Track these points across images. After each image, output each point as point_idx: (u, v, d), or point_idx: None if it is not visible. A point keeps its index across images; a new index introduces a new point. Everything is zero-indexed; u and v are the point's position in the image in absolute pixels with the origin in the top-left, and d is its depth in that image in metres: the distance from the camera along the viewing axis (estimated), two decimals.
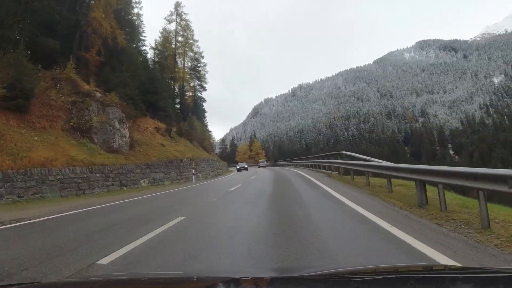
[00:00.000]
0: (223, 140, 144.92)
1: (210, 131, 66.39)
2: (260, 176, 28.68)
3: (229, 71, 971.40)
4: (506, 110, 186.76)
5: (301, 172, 29.56)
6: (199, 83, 61.01)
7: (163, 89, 41.27)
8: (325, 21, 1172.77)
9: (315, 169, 30.04)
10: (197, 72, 59.54)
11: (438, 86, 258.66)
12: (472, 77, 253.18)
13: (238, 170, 53.58)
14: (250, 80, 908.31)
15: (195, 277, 1.93)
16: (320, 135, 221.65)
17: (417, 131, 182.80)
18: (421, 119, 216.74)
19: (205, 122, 64.28)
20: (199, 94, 62.79)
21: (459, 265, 3.56)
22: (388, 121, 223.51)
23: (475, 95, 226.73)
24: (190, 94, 59.14)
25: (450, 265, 3.35)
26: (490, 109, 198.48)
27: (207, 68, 73.52)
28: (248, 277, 1.57)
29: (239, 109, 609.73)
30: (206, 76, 61.10)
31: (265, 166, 61.17)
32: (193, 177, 30.32)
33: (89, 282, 2.07)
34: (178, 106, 52.69)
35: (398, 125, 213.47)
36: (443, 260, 3.98)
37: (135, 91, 30.39)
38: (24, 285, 1.72)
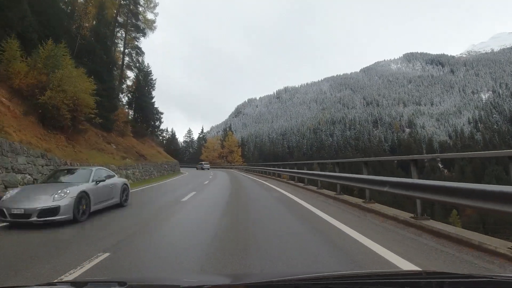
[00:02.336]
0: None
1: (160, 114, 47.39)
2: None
3: (212, 69, 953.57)
4: (495, 127, 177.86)
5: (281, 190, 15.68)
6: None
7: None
8: (313, 27, 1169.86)
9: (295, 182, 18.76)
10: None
11: (426, 98, 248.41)
12: (459, 91, 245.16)
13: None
14: (234, 79, 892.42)
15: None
16: (303, 139, 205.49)
17: (405, 142, 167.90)
18: (408, 130, 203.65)
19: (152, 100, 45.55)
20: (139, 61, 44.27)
21: (419, 269, 3.79)
22: (374, 129, 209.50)
23: (463, 109, 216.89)
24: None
25: (411, 270, 3.43)
26: (479, 124, 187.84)
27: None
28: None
29: (221, 109, 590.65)
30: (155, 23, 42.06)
31: (208, 169, 55.02)
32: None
33: None
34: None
35: (385, 134, 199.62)
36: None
37: None
38: None
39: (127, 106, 42.19)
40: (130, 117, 38.41)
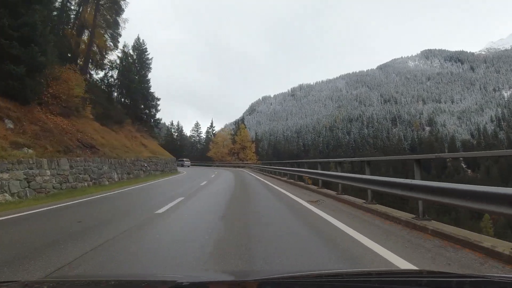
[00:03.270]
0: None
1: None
2: None
3: (225, 66, 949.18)
4: None
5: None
6: None
7: None
8: (329, 24, 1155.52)
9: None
10: None
11: (445, 95, 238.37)
12: (480, 88, 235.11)
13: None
14: (249, 77, 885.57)
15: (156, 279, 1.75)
16: (319, 137, 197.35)
17: (426, 140, 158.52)
18: (428, 128, 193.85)
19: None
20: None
21: (417, 268, 3.58)
22: (393, 127, 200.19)
23: (485, 107, 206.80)
24: None
25: (410, 270, 3.31)
26: (503, 123, 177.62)
27: None
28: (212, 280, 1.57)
29: (234, 106, 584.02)
30: None
31: (189, 166, 53.76)
32: None
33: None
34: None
35: (404, 132, 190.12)
36: None
37: None
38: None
39: (100, 81, 33.66)
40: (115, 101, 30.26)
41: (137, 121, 34.28)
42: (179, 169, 38.41)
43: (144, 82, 35.23)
